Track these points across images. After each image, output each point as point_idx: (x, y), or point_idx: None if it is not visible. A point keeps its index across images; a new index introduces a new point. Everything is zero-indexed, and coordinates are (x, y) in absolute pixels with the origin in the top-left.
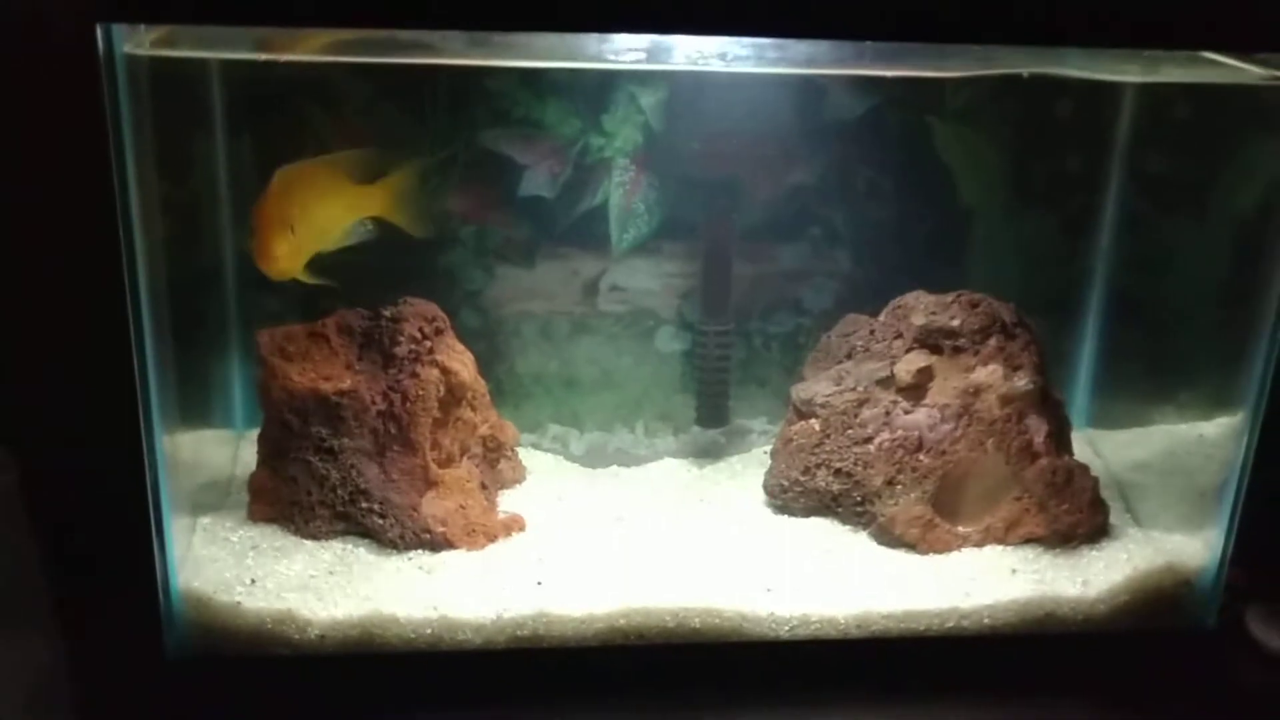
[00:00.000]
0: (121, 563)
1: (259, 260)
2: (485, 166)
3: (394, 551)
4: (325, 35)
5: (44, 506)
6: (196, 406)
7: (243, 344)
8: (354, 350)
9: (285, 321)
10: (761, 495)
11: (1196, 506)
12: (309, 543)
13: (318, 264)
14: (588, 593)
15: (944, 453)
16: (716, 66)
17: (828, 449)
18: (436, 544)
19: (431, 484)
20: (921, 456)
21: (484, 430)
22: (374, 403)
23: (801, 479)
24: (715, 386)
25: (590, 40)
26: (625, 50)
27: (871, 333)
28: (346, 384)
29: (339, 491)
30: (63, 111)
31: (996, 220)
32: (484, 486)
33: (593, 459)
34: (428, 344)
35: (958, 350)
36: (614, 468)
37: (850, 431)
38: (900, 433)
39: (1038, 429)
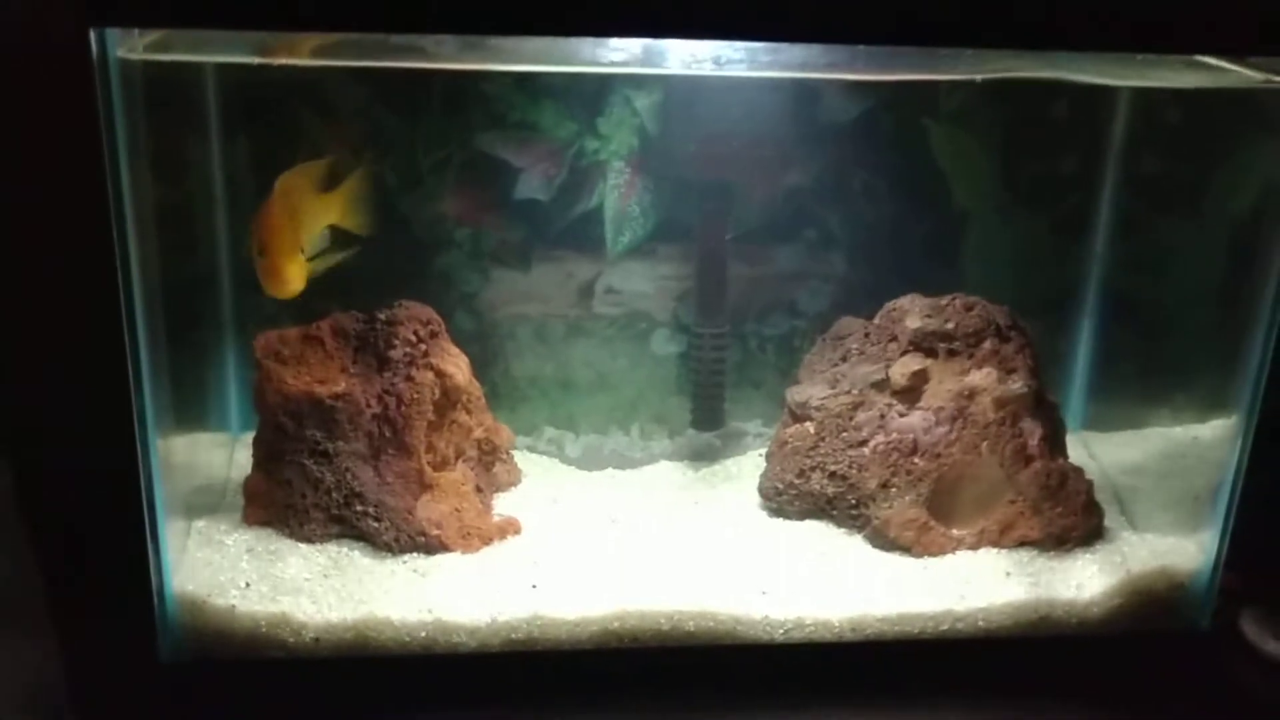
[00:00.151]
0: (117, 566)
1: (270, 283)
2: (480, 169)
3: (389, 554)
4: (319, 38)
5: (39, 509)
6: (192, 410)
7: (238, 347)
8: (349, 353)
9: (280, 325)
10: (756, 498)
11: (1191, 509)
12: (304, 546)
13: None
14: (582, 595)
15: (939, 456)
16: (711, 70)
17: (823, 452)
18: (431, 547)
19: (426, 487)
20: (916, 459)
21: (479, 433)
22: (369, 406)
23: (796, 482)
24: (710, 389)
25: (585, 44)
26: (619, 52)
27: (866, 336)
28: (341, 387)
29: (334, 495)
30: (57, 116)
31: (991, 223)
32: (479, 489)
33: (588, 462)
34: (423, 347)
35: (952, 353)
36: (609, 470)
37: (845, 434)
38: (895, 436)
39: (1032, 432)
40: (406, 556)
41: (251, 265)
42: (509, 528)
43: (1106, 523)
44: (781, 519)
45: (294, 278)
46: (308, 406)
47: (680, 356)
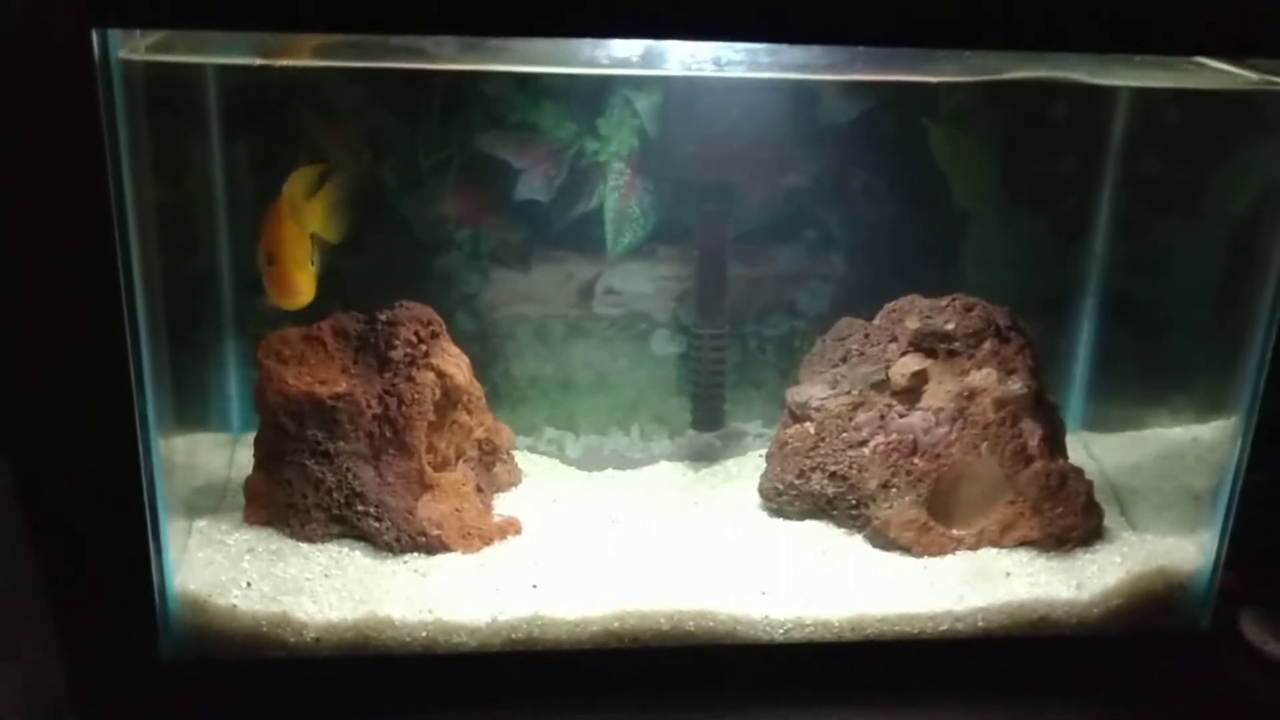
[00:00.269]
0: (118, 565)
1: (278, 293)
2: (481, 170)
3: (389, 554)
4: (319, 39)
5: (39, 509)
6: (193, 410)
7: (239, 347)
8: (349, 354)
9: (281, 325)
10: (757, 498)
11: (1190, 510)
12: (304, 546)
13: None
14: (583, 595)
15: (938, 456)
16: (711, 71)
17: (823, 452)
18: (432, 547)
19: (427, 487)
20: (916, 460)
21: (479, 433)
22: (369, 406)
23: (796, 482)
24: (711, 390)
25: (585, 44)
26: (619, 53)
27: (866, 336)
28: (342, 387)
29: (334, 495)
30: (58, 116)
31: (991, 223)
32: (479, 489)
33: (588, 462)
34: (423, 347)
35: (952, 354)
36: (609, 471)
37: (845, 435)
38: (895, 436)
39: (1032, 432)
40: (407, 556)
41: (257, 273)
42: (509, 528)
43: (1106, 523)
44: (781, 519)
45: (303, 288)
46: (309, 407)
47: (680, 357)
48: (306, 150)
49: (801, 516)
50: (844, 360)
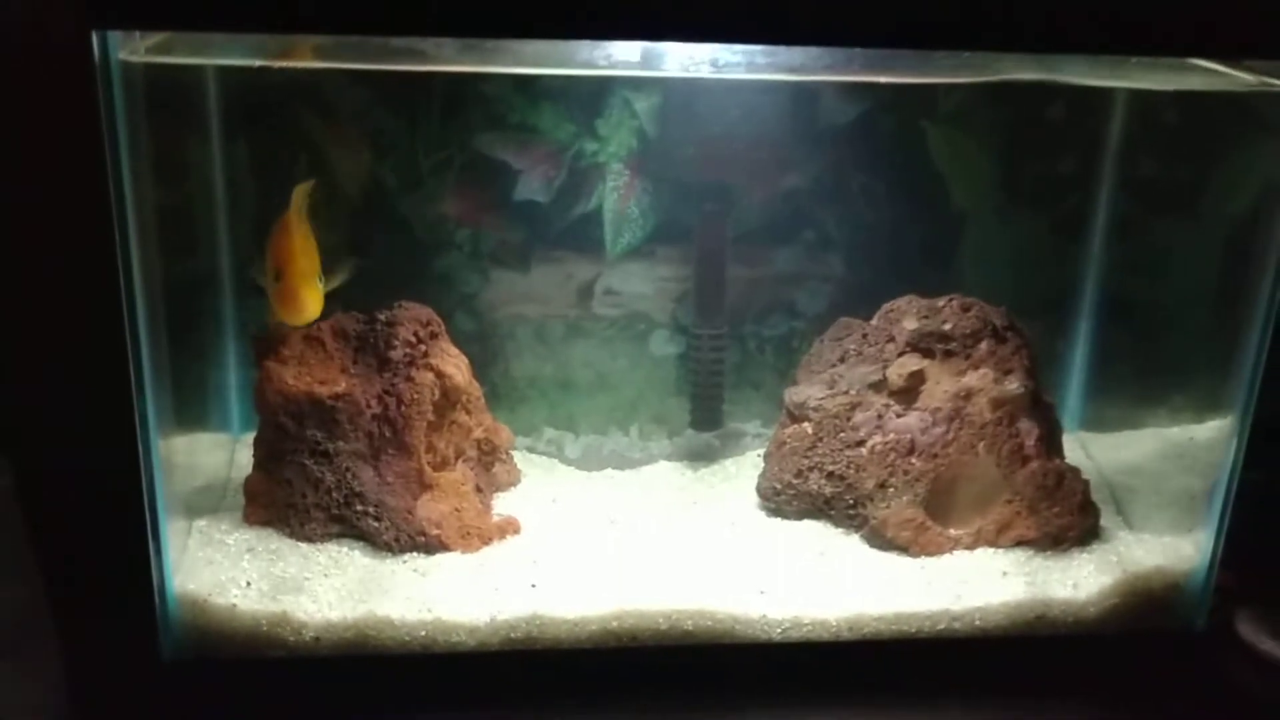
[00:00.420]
0: (118, 565)
1: (286, 309)
2: (480, 171)
3: (389, 554)
4: (319, 40)
5: (40, 509)
6: (193, 410)
7: (239, 348)
8: (349, 354)
9: (281, 325)
10: (755, 498)
11: (1187, 509)
12: (304, 545)
13: None
14: (582, 595)
15: (935, 456)
16: (710, 72)
17: (820, 452)
18: (431, 546)
19: (426, 487)
20: (913, 460)
21: (479, 433)
22: (369, 406)
23: (794, 482)
24: (709, 390)
25: (584, 46)
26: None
27: (864, 337)
28: (341, 387)
29: (334, 494)
30: (58, 117)
31: (988, 224)
32: (479, 489)
33: (587, 462)
34: (422, 348)
35: (949, 354)
36: (609, 470)
37: (843, 435)
38: (892, 436)
39: (1029, 432)
40: (406, 556)
41: (258, 281)
42: (508, 527)
43: (1103, 522)
44: (780, 519)
45: (312, 304)
46: (308, 406)
47: (679, 357)
48: (307, 151)
49: (799, 516)
50: (842, 360)
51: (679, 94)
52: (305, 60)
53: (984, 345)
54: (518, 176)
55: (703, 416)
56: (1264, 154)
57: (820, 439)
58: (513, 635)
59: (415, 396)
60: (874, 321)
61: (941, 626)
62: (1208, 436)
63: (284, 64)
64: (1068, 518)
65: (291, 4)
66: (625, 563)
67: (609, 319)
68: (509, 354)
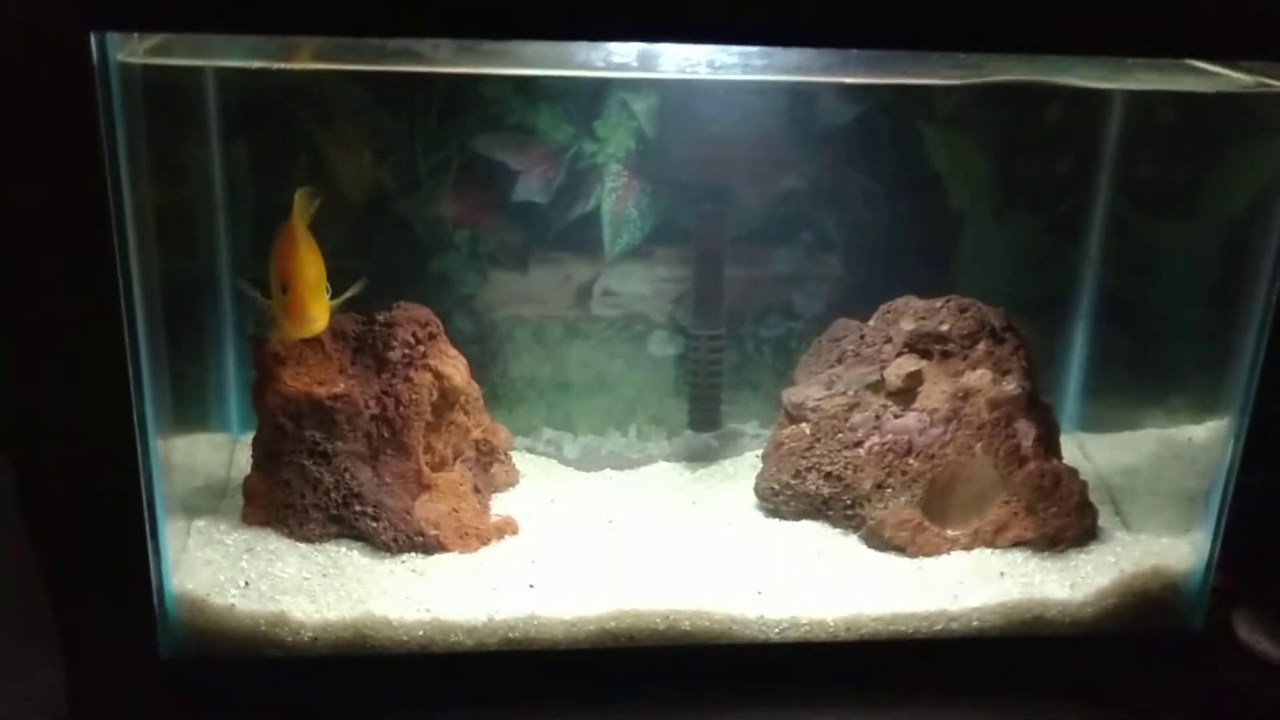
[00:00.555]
0: (117, 565)
1: (293, 322)
2: (479, 172)
3: (387, 554)
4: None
5: (40, 509)
6: (192, 411)
7: (238, 349)
8: (347, 355)
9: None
10: (753, 498)
11: (1184, 510)
12: (303, 545)
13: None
14: (580, 595)
15: (933, 456)
16: (709, 74)
17: (818, 453)
18: (429, 547)
19: (424, 487)
20: (911, 460)
21: (477, 434)
22: (367, 407)
23: (792, 482)
24: (708, 390)
25: (582, 47)
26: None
27: (862, 337)
28: (340, 388)
29: (332, 495)
30: (57, 119)
31: (986, 225)
32: (477, 490)
33: (586, 462)
34: (421, 349)
35: (947, 355)
36: (607, 471)
37: (840, 435)
38: (890, 437)
39: (1026, 433)
40: (405, 556)
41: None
42: (506, 528)
43: (1100, 523)
44: (778, 519)
45: (319, 317)
46: (307, 407)
47: (678, 358)
48: (305, 153)
49: (797, 516)
50: (840, 361)
51: (677, 95)
52: (306, 62)
53: (982, 346)
54: (516, 177)
55: (701, 417)
56: (1261, 154)
57: (818, 439)
58: (511, 635)
59: (413, 397)
60: (872, 322)
61: (939, 627)
62: (1205, 437)
63: (282, 65)
64: (1065, 518)
65: (290, 5)
66: (623, 563)
67: (607, 320)
68: (507, 355)
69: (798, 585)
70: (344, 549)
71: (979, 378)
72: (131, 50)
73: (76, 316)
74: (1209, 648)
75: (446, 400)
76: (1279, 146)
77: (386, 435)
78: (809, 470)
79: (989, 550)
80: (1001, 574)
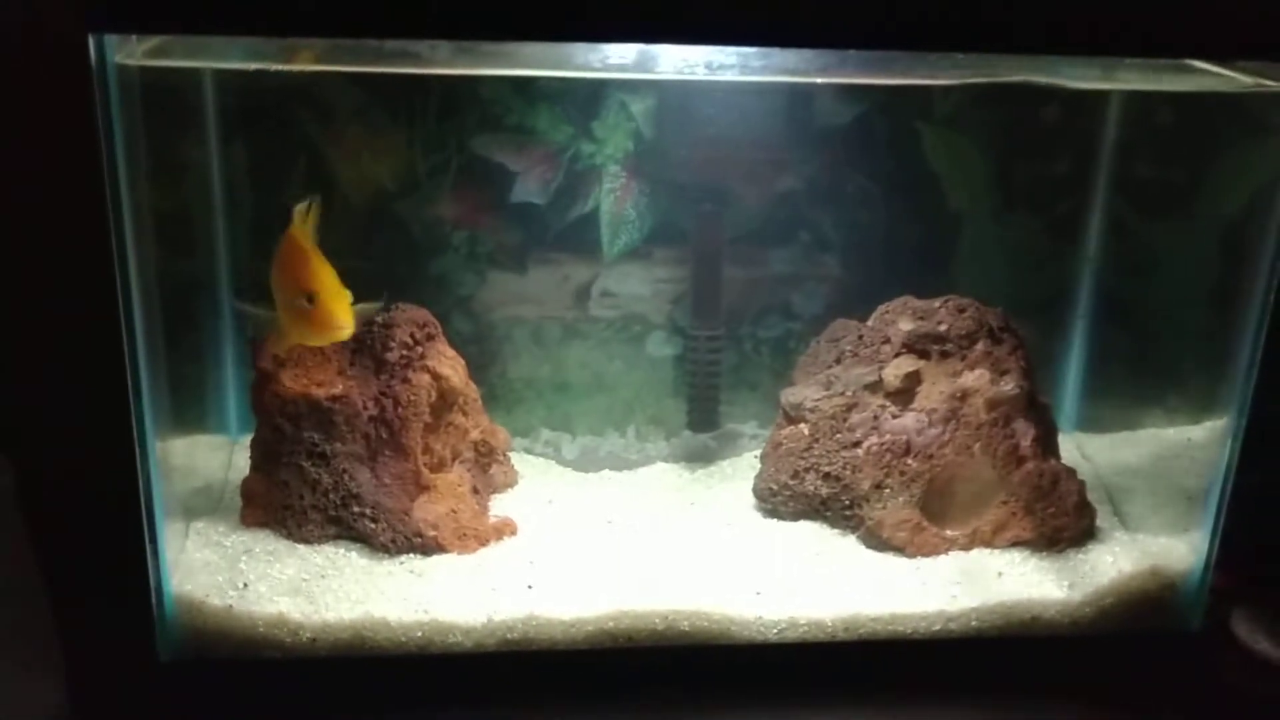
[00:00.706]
0: (115, 566)
1: (324, 331)
2: (477, 173)
3: (385, 555)
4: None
5: (40, 509)
6: (191, 412)
7: (237, 350)
8: (346, 356)
9: None
10: (751, 499)
11: (1183, 510)
12: (301, 547)
13: None
14: (578, 596)
15: (931, 457)
16: (707, 75)
17: (817, 453)
18: (428, 548)
19: (423, 488)
20: (909, 460)
21: (475, 435)
22: (366, 408)
23: (791, 483)
24: (706, 391)
25: (580, 48)
26: (615, 59)
27: (860, 338)
28: (339, 389)
29: (331, 496)
30: (56, 120)
31: (984, 225)
32: (475, 491)
33: (584, 463)
34: (419, 349)
35: (945, 355)
36: (605, 472)
37: (839, 436)
38: (888, 437)
39: (1024, 433)
40: (403, 557)
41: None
42: (505, 528)
43: (1099, 523)
44: (776, 520)
45: (348, 323)
46: (305, 408)
47: (676, 359)
48: (304, 154)
49: (796, 517)
50: (838, 361)
51: (675, 96)
52: (303, 63)
53: (980, 346)
54: (515, 178)
55: (699, 418)
56: (1258, 155)
57: (816, 440)
58: (509, 636)
59: (412, 398)
60: (870, 323)
61: (937, 627)
62: (1204, 437)
63: (280, 67)
64: (1063, 518)
65: (289, 7)
66: (622, 564)
67: (606, 320)
68: (506, 355)
69: (796, 585)
70: (342, 550)
71: (977, 378)
72: (130, 52)
73: (76, 317)
74: (1207, 647)
75: (445, 401)
76: (1277, 146)
77: (385, 436)
78: (807, 471)
79: (987, 550)
80: (1000, 574)
